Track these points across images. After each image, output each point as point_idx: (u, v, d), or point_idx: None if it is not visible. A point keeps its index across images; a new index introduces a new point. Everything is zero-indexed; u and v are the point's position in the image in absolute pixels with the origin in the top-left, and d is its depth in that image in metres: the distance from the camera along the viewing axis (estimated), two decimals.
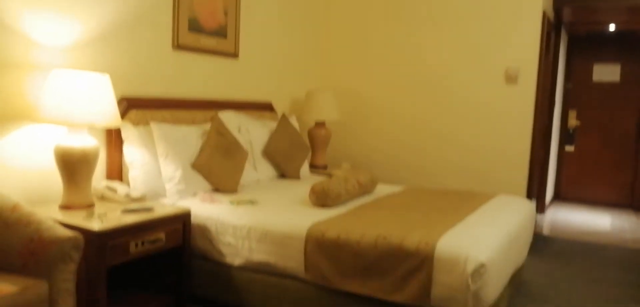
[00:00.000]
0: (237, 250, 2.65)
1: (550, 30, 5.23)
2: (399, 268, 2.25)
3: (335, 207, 2.90)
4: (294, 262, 2.50)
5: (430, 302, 2.20)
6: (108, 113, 2.51)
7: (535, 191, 5.19)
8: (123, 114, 2.91)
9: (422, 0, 4.54)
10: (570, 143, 7.01)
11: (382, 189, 3.58)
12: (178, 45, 3.34)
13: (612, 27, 6.34)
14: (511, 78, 4.20)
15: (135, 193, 2.77)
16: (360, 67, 4.85)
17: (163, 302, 2.68)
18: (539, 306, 3.08)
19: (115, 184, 2.78)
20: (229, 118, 3.53)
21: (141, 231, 2.43)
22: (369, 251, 2.31)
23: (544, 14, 4.19)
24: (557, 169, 7.04)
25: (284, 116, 3.97)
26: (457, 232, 2.38)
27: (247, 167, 3.49)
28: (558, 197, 7.11)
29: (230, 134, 3.30)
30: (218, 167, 3.11)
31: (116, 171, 2.94)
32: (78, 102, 2.39)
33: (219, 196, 3.02)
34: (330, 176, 3.82)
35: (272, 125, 3.92)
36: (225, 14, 3.73)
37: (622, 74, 6.68)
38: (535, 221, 4.02)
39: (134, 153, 2.88)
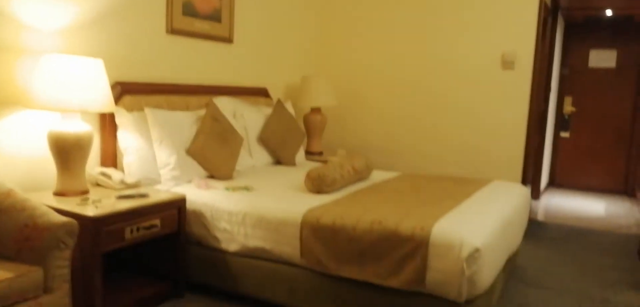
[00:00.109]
0: (232, 236, 2.65)
1: (547, 15, 5.22)
2: (394, 253, 2.25)
3: (331, 193, 2.89)
4: (289, 247, 2.50)
5: (425, 287, 2.21)
6: (101, 98, 2.49)
7: (530, 176, 5.22)
8: (117, 99, 2.89)
9: None
10: (566, 129, 7.03)
11: (378, 175, 3.58)
12: (172, 30, 3.31)
13: (608, 13, 6.33)
14: (508, 63, 4.19)
15: (129, 179, 2.76)
16: (356, 53, 4.83)
17: (159, 289, 2.68)
18: (533, 290, 3.10)
19: (110, 170, 2.76)
20: (224, 104, 3.51)
21: (136, 217, 2.42)
22: (364, 237, 2.32)
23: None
24: (552, 155, 7.06)
25: (279, 102, 3.96)
26: (452, 218, 2.38)
27: (243, 153, 3.48)
28: (553, 183, 7.14)
29: (225, 119, 3.28)
30: (213, 153, 3.10)
31: (110, 157, 2.92)
32: (71, 87, 2.37)
33: (215, 182, 3.01)
34: (325, 162, 3.81)
35: (268, 111, 3.90)
36: None
37: (618, 60, 6.68)
38: (530, 207, 4.03)
39: (128, 139, 2.87)
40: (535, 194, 5.92)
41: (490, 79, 4.28)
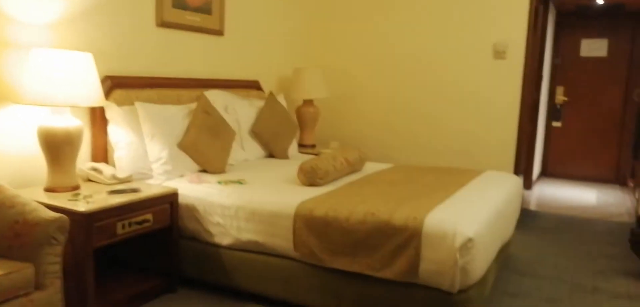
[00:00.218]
0: (225, 230, 2.64)
1: (539, 5, 5.22)
2: (388, 244, 2.25)
3: (324, 185, 2.89)
4: (282, 240, 2.50)
5: (418, 278, 2.21)
6: (91, 93, 2.47)
7: (522, 166, 5.24)
8: (107, 94, 2.87)
9: None
10: (558, 119, 7.06)
11: (371, 167, 3.58)
12: (162, 22, 3.28)
13: (600, 1, 6.34)
14: (499, 53, 4.19)
15: (121, 174, 2.74)
16: (347, 45, 4.81)
17: (152, 284, 2.67)
18: (526, 279, 3.12)
19: (101, 165, 2.74)
20: (215, 97, 3.49)
21: (128, 212, 2.41)
22: (357, 228, 2.32)
23: None
24: (545, 144, 7.10)
25: (271, 94, 3.94)
26: (445, 208, 2.38)
27: (235, 146, 3.46)
28: (545, 173, 7.17)
29: (217, 113, 3.26)
30: (205, 147, 3.08)
31: (101, 152, 2.90)
32: (60, 82, 2.34)
33: (207, 177, 2.99)
34: (318, 154, 3.81)
35: (260, 103, 3.88)
36: None
37: (610, 49, 6.71)
38: (523, 196, 4.05)
39: (119, 133, 2.84)
40: (528, 184, 5.96)
41: (482, 69, 4.28)
